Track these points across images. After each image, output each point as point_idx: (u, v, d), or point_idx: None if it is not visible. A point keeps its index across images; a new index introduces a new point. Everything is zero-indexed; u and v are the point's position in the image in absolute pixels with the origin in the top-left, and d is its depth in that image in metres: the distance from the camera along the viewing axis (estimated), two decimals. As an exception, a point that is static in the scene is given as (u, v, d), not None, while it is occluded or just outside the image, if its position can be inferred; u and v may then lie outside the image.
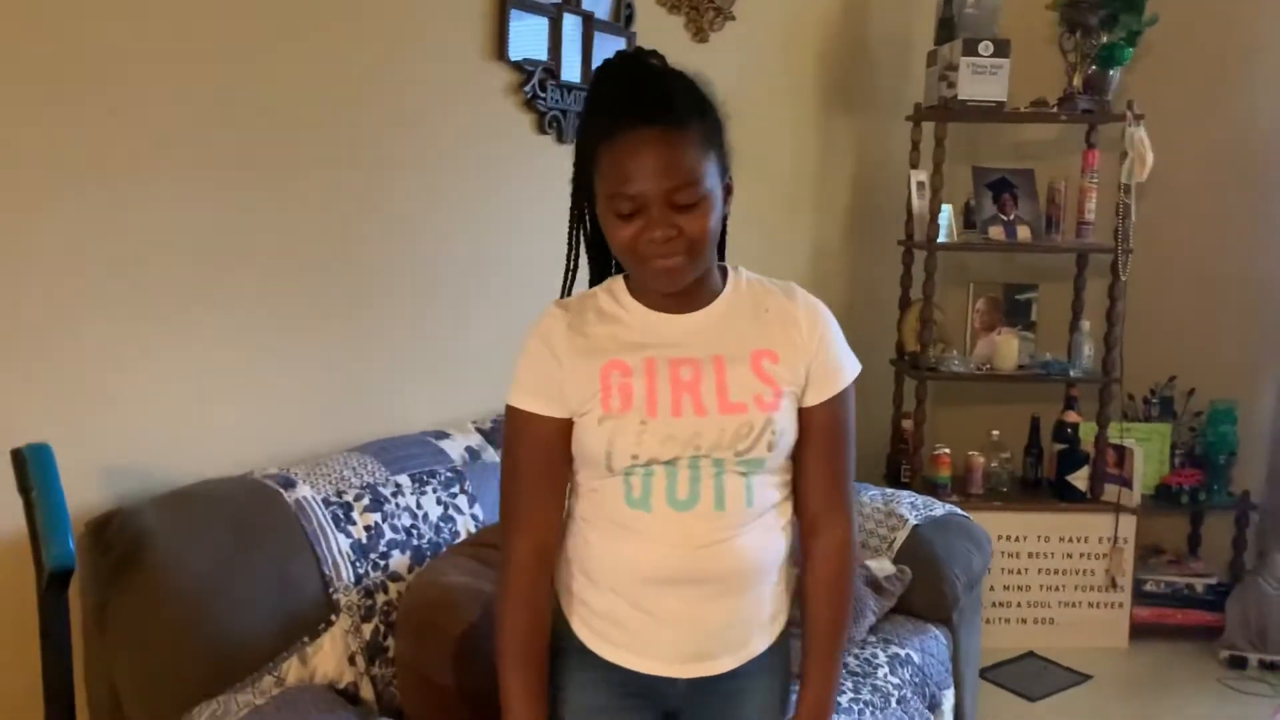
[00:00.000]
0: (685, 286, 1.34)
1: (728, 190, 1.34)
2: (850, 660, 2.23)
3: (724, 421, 1.32)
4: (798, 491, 1.43)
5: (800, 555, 1.45)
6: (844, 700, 2.08)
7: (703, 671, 1.39)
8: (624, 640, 1.38)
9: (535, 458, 1.37)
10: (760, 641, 1.42)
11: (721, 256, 1.44)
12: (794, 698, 1.47)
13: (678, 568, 1.33)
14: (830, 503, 1.42)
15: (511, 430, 1.39)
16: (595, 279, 1.45)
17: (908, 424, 3.68)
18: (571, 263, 1.44)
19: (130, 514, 1.74)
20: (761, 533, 1.37)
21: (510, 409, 1.38)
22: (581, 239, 1.42)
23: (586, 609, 1.40)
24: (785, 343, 1.36)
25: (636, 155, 1.24)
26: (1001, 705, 3.15)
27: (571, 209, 1.41)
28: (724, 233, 1.42)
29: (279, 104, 2.05)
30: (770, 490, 1.38)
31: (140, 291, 1.87)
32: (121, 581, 1.69)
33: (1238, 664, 3.43)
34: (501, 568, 1.40)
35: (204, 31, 1.91)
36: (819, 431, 1.40)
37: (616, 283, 1.41)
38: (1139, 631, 3.59)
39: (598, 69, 1.34)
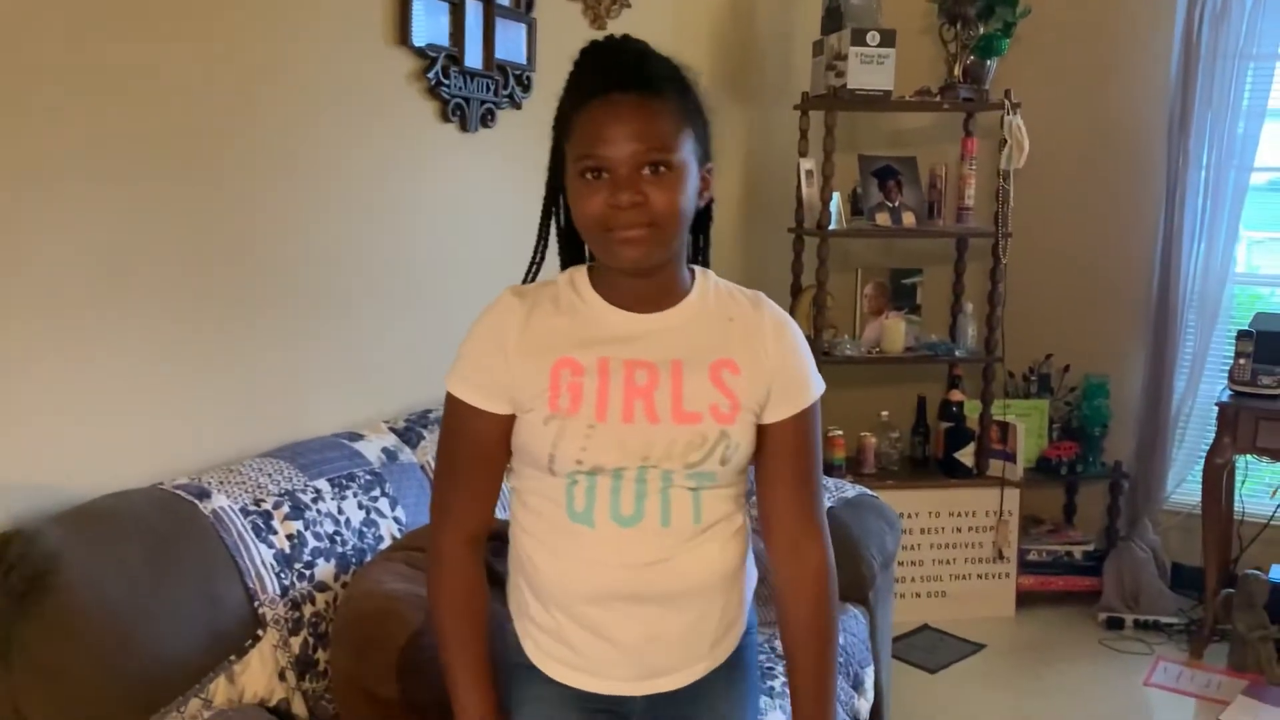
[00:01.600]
0: (650, 281, 1.29)
1: (705, 182, 1.30)
2: (778, 644, 2.24)
3: (676, 431, 1.27)
4: (768, 516, 1.39)
5: (772, 584, 1.42)
6: (776, 684, 2.09)
7: (659, 688, 1.35)
8: (576, 661, 1.34)
9: (471, 450, 1.33)
10: (716, 655, 1.39)
11: (707, 260, 1.41)
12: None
13: (622, 587, 1.29)
14: (803, 523, 1.38)
15: (450, 418, 1.34)
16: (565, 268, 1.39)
17: (803, 408, 3.73)
18: (539, 252, 1.38)
19: (32, 535, 1.60)
20: (710, 548, 1.33)
21: (450, 396, 1.33)
22: (554, 226, 1.37)
23: (536, 628, 1.35)
24: (748, 355, 1.31)
25: (608, 119, 1.21)
26: (904, 679, 3.24)
27: (546, 193, 1.35)
28: (708, 237, 1.39)
29: (169, 96, 1.91)
30: (720, 504, 1.34)
31: (25, 298, 1.72)
32: (27, 609, 1.54)
33: (1115, 625, 3.62)
34: (432, 562, 1.37)
35: (91, 19, 1.77)
36: (785, 450, 1.35)
37: (579, 273, 1.34)
38: (1024, 599, 3.76)
39: (582, 49, 1.29)
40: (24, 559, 1.57)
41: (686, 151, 1.24)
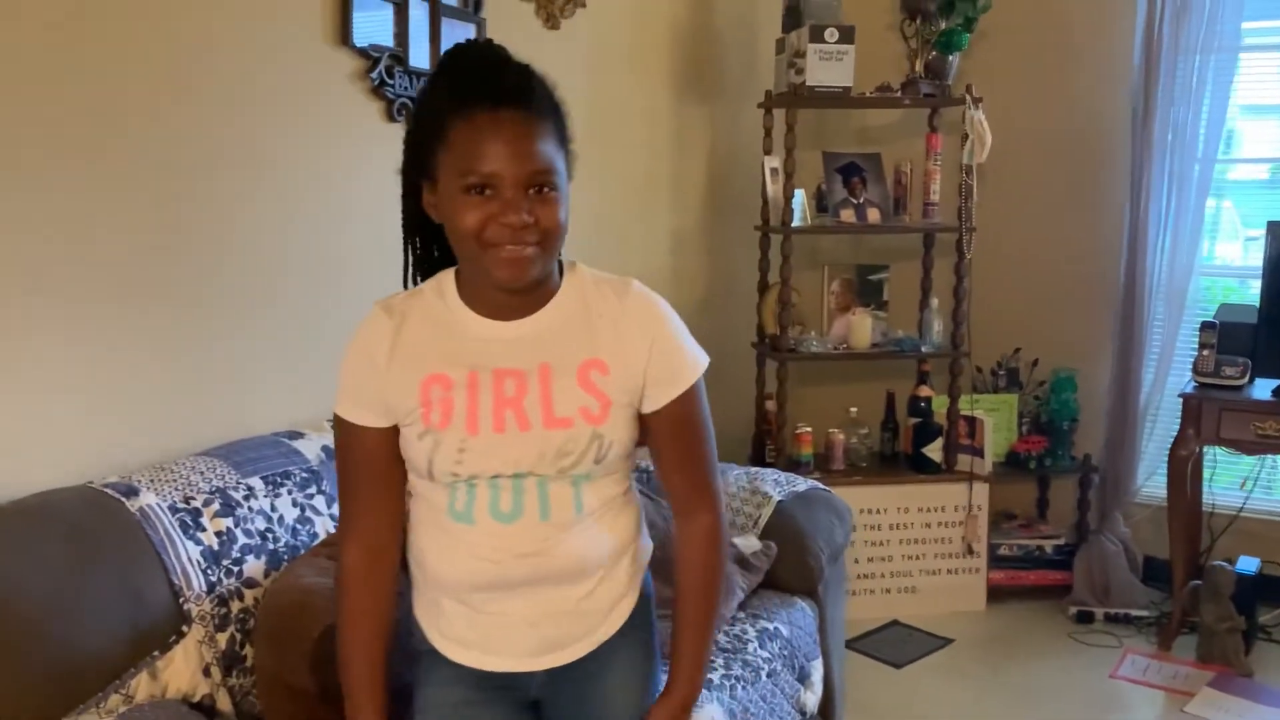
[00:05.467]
0: (519, 292, 1.30)
1: None
2: (720, 637, 2.25)
3: (548, 436, 1.29)
4: (663, 486, 1.45)
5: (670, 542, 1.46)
6: (715, 677, 2.10)
7: (556, 661, 1.39)
8: (474, 640, 1.37)
9: (363, 465, 1.36)
10: (611, 624, 1.42)
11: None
12: (663, 677, 1.48)
13: (507, 577, 1.33)
14: (695, 493, 1.42)
15: (340, 438, 1.38)
16: (421, 269, 1.40)
17: (770, 404, 3.74)
18: (412, 251, 1.40)
19: (-48, 532, 1.63)
20: (594, 530, 1.36)
21: (337, 417, 1.36)
22: (414, 224, 1.38)
23: (436, 610, 1.39)
24: (617, 352, 1.32)
25: (496, 135, 1.20)
26: (869, 674, 3.24)
27: (404, 194, 1.36)
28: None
29: (107, 90, 1.94)
30: (603, 490, 1.37)
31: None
32: (-55, 605, 1.57)
33: (1085, 618, 3.62)
34: (338, 577, 1.41)
35: (15, 9, 1.79)
36: (671, 429, 1.38)
37: (447, 280, 1.35)
38: (995, 594, 3.75)
39: (448, 51, 1.30)
40: (-58, 557, 1.59)
41: (563, 173, 1.27)
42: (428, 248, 1.40)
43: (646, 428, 1.38)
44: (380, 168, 2.53)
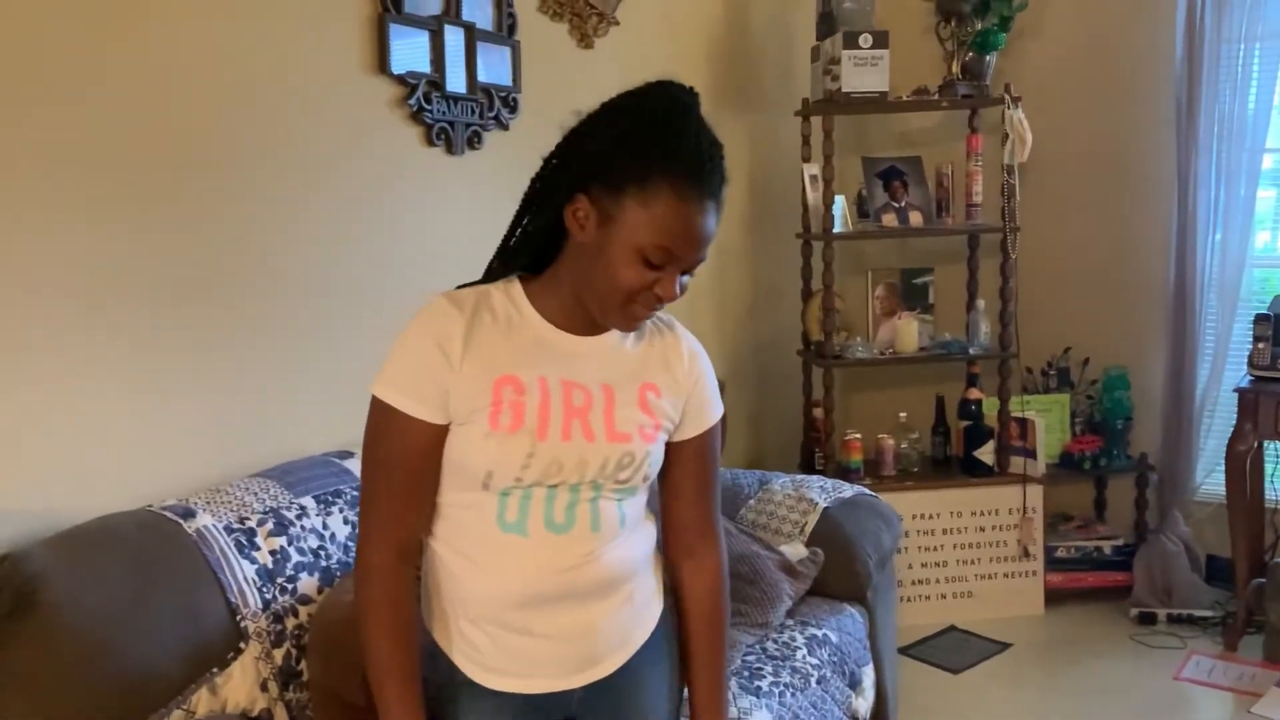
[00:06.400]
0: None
1: None
2: (769, 644, 2.27)
3: (610, 450, 1.32)
4: (670, 523, 1.48)
5: (670, 581, 1.49)
6: (764, 684, 2.11)
7: (593, 677, 1.39)
8: (510, 666, 1.36)
9: (404, 459, 1.30)
10: (641, 632, 1.44)
11: None
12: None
13: (553, 589, 1.32)
14: (701, 531, 1.48)
15: (381, 426, 1.30)
16: (497, 272, 1.38)
17: (818, 412, 3.74)
18: (512, 242, 1.37)
19: (20, 557, 1.69)
20: (629, 543, 1.39)
21: (381, 403, 1.29)
22: (530, 225, 1.34)
23: (466, 642, 1.36)
24: (667, 378, 1.40)
25: (694, 225, 1.23)
26: (925, 680, 3.21)
27: (548, 189, 1.31)
28: None
29: (157, 124, 2.01)
30: (638, 507, 1.42)
31: (13, 324, 1.81)
32: (13, 627, 1.63)
33: (1147, 620, 3.55)
34: (360, 572, 1.33)
35: (67, 45, 1.87)
36: (692, 463, 1.45)
37: (514, 287, 1.36)
38: (1053, 597, 3.70)
39: (673, 93, 1.29)
40: (10, 580, 1.66)
41: None
42: (530, 252, 1.36)
43: (667, 459, 1.43)
44: (424, 190, 2.61)
